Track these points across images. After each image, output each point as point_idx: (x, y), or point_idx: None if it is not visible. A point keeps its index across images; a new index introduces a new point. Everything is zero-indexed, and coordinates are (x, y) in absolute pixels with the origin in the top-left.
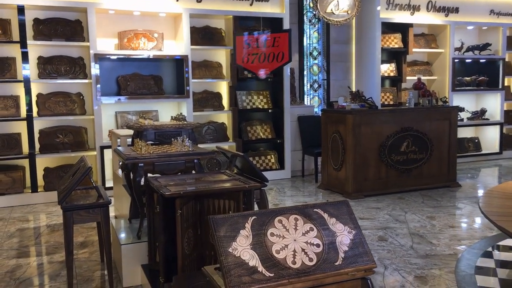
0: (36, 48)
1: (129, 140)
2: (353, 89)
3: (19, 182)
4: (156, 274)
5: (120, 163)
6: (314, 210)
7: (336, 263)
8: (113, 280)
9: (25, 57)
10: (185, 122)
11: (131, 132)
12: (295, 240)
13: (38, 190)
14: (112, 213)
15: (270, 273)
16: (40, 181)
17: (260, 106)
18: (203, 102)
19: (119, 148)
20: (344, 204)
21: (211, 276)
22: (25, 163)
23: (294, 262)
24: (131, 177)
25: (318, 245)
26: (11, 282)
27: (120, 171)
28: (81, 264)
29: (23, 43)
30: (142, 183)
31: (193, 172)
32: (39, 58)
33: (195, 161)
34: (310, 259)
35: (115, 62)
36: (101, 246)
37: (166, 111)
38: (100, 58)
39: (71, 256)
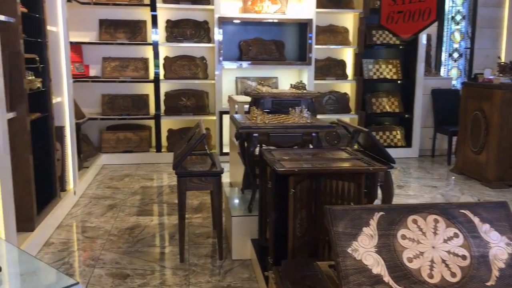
0: (165, 12)
1: (246, 107)
2: (503, 60)
3: (146, 142)
4: (265, 251)
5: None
6: (461, 211)
7: (488, 283)
8: (222, 251)
9: (154, 20)
10: (304, 91)
11: (248, 99)
12: (433, 247)
13: (162, 150)
14: (227, 179)
15: (399, 286)
16: (164, 142)
17: (388, 76)
18: (326, 70)
19: (235, 115)
20: (501, 206)
21: (324, 275)
22: (151, 123)
23: (431, 276)
24: (245, 147)
25: (464, 257)
26: (129, 239)
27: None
28: (194, 229)
29: (153, 6)
30: (256, 153)
31: (311, 146)
32: (167, 21)
33: (313, 134)
34: (453, 274)
35: (238, 26)
36: (214, 214)
37: (286, 78)
38: (223, 22)
39: (183, 221)
